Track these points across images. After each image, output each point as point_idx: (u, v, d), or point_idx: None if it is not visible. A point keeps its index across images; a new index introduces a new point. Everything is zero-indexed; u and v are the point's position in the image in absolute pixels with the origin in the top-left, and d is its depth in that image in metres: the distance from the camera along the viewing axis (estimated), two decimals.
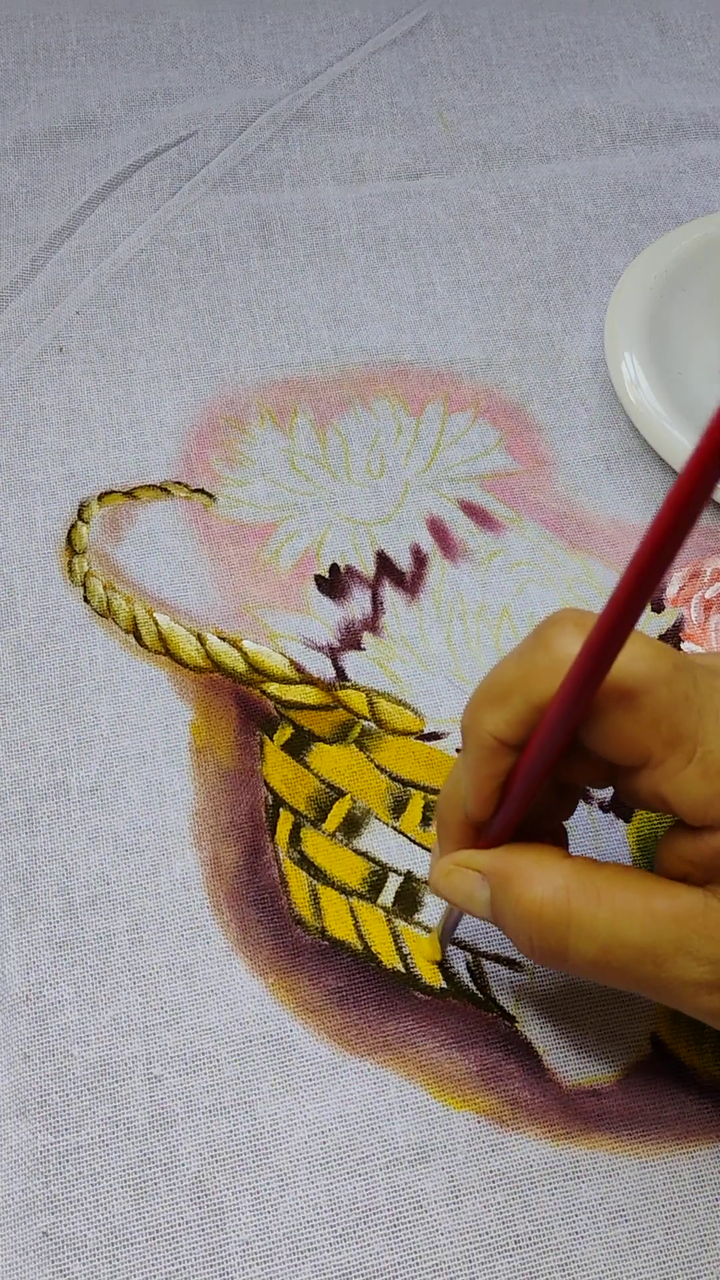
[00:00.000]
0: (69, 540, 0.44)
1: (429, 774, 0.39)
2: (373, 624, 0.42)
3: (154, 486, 0.46)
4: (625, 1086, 0.34)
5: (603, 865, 0.29)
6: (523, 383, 0.49)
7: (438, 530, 0.45)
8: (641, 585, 0.23)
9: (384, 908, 0.37)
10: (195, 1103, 0.34)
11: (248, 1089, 0.34)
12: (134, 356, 0.49)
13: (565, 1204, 0.32)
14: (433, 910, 0.37)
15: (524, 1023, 0.35)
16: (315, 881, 0.37)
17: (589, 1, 0.64)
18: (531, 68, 0.61)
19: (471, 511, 0.45)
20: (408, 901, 0.37)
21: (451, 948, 0.36)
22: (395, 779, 0.39)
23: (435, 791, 0.39)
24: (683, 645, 0.42)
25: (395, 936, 0.36)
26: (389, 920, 0.37)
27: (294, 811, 0.38)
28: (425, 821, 0.38)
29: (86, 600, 0.43)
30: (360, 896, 0.37)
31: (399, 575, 0.44)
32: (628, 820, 0.39)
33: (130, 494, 0.45)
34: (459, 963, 0.36)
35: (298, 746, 0.40)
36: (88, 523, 0.44)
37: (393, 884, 0.37)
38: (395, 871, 0.37)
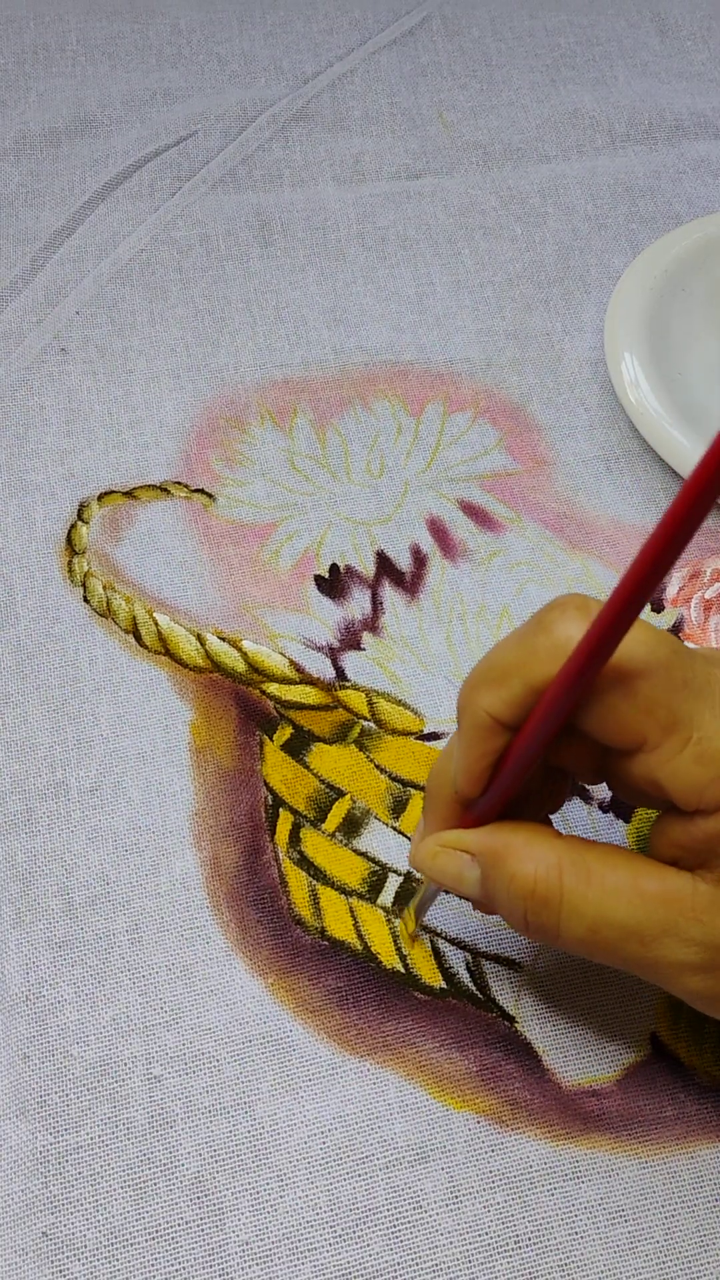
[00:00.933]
0: (69, 540, 0.44)
1: (429, 774, 0.39)
2: (372, 624, 0.42)
3: (154, 486, 0.46)
4: (625, 1086, 0.34)
5: (593, 845, 0.29)
6: (523, 383, 0.49)
7: (437, 530, 0.45)
8: (655, 568, 0.23)
9: (384, 908, 0.37)
10: (195, 1103, 0.34)
11: (247, 1089, 0.34)
12: (134, 356, 0.49)
13: (565, 1204, 0.32)
14: (432, 910, 0.37)
15: (523, 1023, 0.35)
16: (315, 881, 0.37)
17: (589, 1, 0.64)
18: (531, 68, 0.60)
19: (471, 511, 0.45)
20: (408, 902, 0.37)
21: (451, 948, 0.36)
22: (395, 779, 0.39)
23: None
24: None
25: (395, 937, 0.36)
26: (389, 920, 0.37)
27: (294, 811, 0.38)
28: None
29: (86, 600, 0.43)
30: (360, 897, 0.37)
31: (399, 575, 0.44)
32: (627, 820, 0.39)
33: (130, 494, 0.45)
34: (459, 963, 0.36)
35: (297, 746, 0.40)
36: (88, 523, 0.44)
37: (392, 884, 0.37)
38: (395, 872, 0.37)
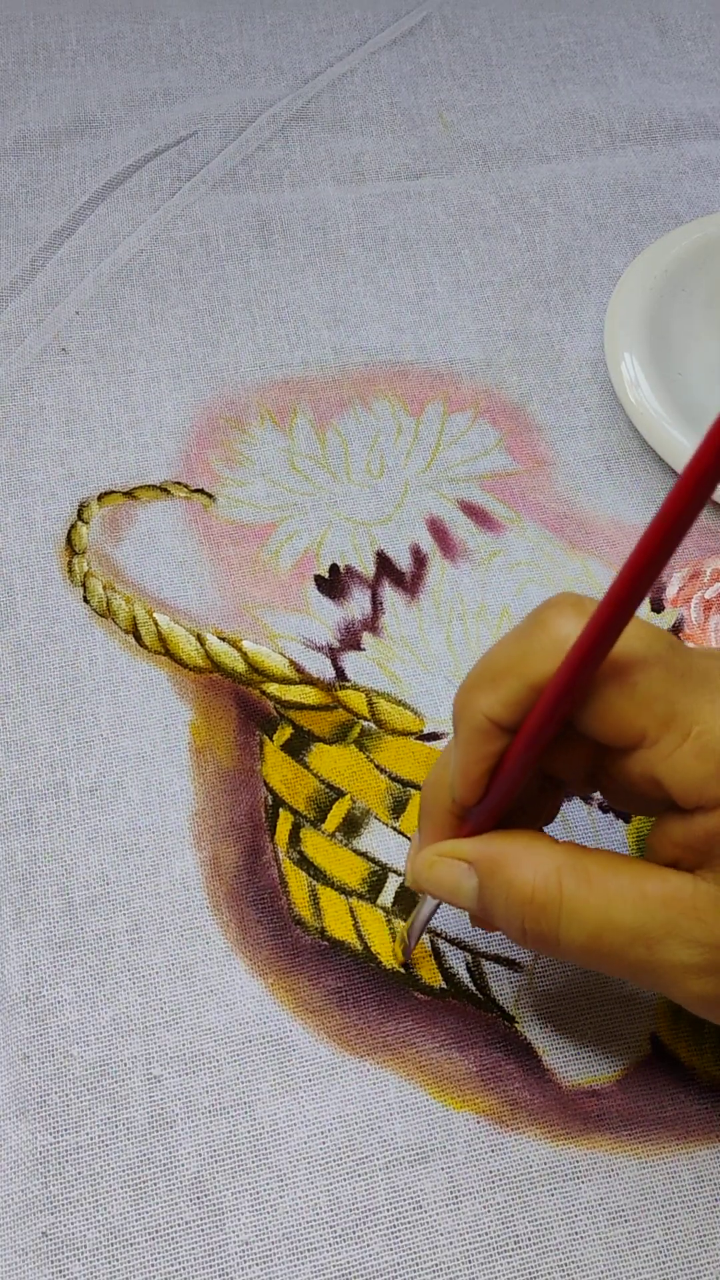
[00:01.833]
0: (69, 540, 0.44)
1: (424, 785, 0.39)
2: (372, 624, 0.42)
3: (154, 486, 0.46)
4: (625, 1086, 0.34)
5: (591, 850, 0.29)
6: (523, 383, 0.49)
7: (437, 530, 0.45)
8: (651, 563, 0.23)
9: (384, 908, 0.37)
10: (195, 1103, 0.34)
11: (247, 1089, 0.34)
12: (134, 356, 0.49)
13: (565, 1204, 0.32)
14: None
15: (523, 1023, 0.35)
16: (315, 882, 0.37)
17: (589, 1, 0.64)
18: (531, 68, 0.60)
19: (471, 512, 0.45)
20: (408, 902, 0.37)
21: (451, 947, 0.36)
22: (395, 779, 0.39)
23: None
24: None
25: (395, 936, 0.36)
26: (389, 920, 0.37)
27: (294, 812, 0.38)
28: None
29: (86, 600, 0.43)
30: (360, 897, 0.37)
31: (399, 575, 0.44)
32: (628, 821, 0.39)
33: (130, 494, 0.45)
34: (459, 963, 0.36)
35: (297, 747, 0.40)
36: (87, 523, 0.44)
37: (392, 884, 0.37)
38: (395, 872, 0.37)
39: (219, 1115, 0.34)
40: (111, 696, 0.41)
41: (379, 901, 0.37)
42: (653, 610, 0.43)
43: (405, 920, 0.36)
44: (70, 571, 0.43)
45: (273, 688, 0.41)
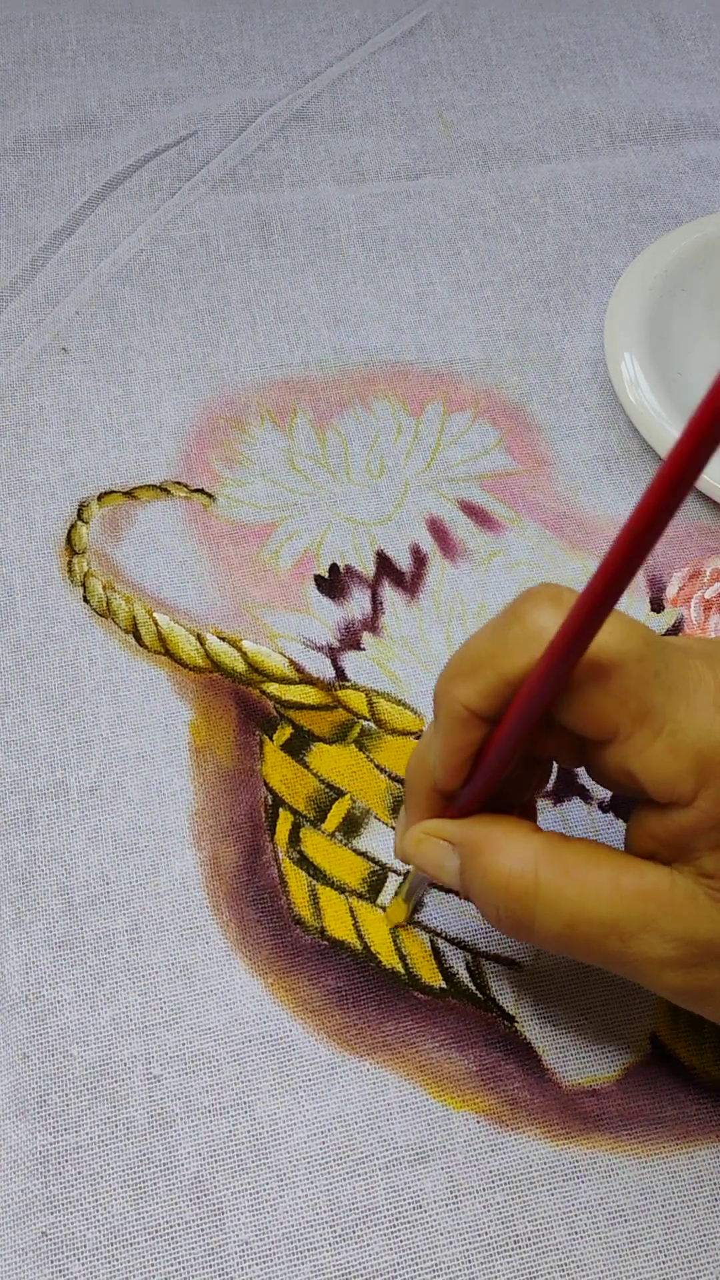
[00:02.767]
0: (69, 540, 0.44)
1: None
2: (372, 624, 0.42)
3: (154, 486, 0.46)
4: (625, 1086, 0.34)
5: (572, 840, 0.29)
6: (523, 383, 0.49)
7: (437, 530, 0.45)
8: (631, 556, 0.23)
9: (384, 908, 0.37)
10: (195, 1103, 0.34)
11: (247, 1089, 0.34)
12: (134, 356, 0.49)
13: (565, 1204, 0.32)
14: (433, 911, 0.37)
15: (523, 1023, 0.35)
16: (315, 881, 0.37)
17: (589, 1, 0.64)
18: (531, 68, 0.60)
19: (471, 511, 0.45)
20: (406, 897, 0.37)
21: (451, 947, 0.36)
22: (395, 779, 0.39)
23: None
24: None
25: (395, 936, 0.36)
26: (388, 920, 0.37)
27: (293, 811, 0.38)
28: None
29: (86, 600, 0.43)
30: (360, 896, 0.37)
31: (399, 575, 0.44)
32: (626, 820, 0.38)
33: (130, 494, 0.45)
34: (459, 963, 0.36)
35: (297, 746, 0.40)
36: (87, 523, 0.44)
37: (393, 884, 0.37)
38: (395, 872, 0.37)
39: (219, 1115, 0.34)
40: (111, 696, 0.41)
41: (379, 901, 0.37)
42: (652, 610, 0.43)
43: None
44: (70, 571, 0.43)
45: (273, 687, 0.41)
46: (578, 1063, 0.34)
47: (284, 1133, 0.33)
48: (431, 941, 0.36)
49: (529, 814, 0.33)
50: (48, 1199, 0.32)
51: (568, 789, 0.39)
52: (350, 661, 0.42)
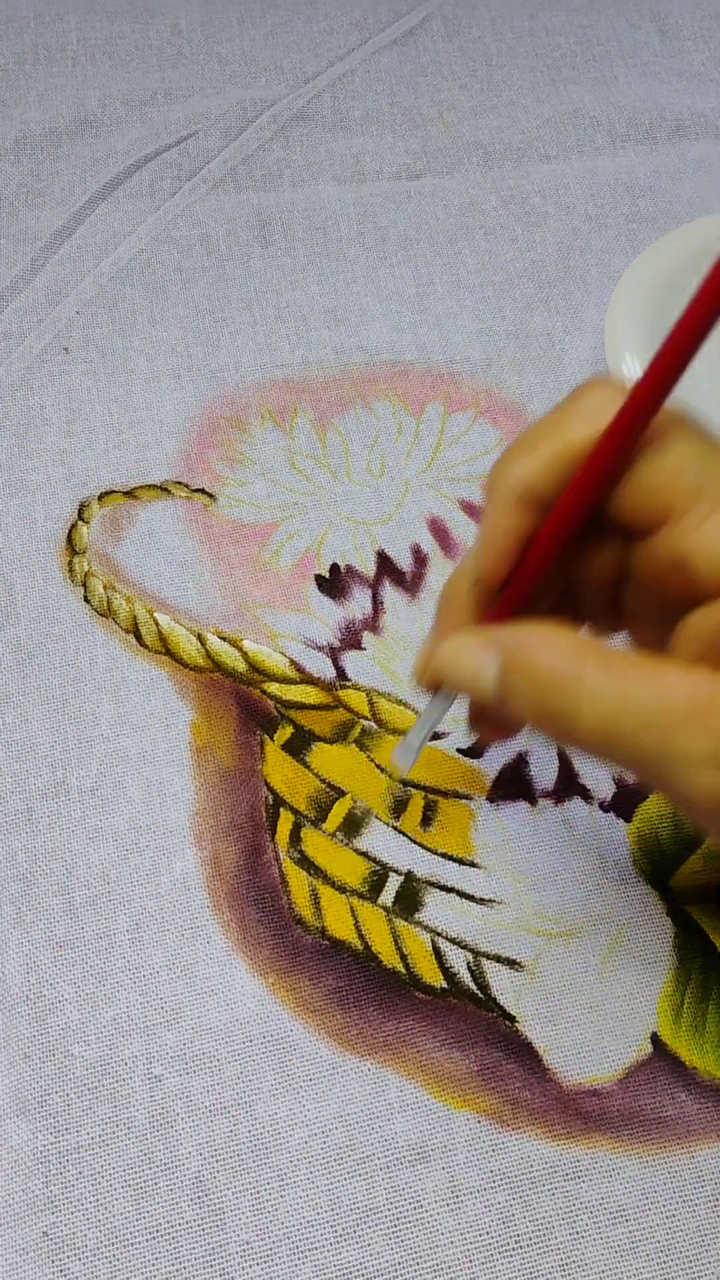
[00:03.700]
0: (69, 540, 0.44)
1: (429, 774, 0.39)
2: (373, 623, 0.42)
3: (154, 486, 0.46)
4: (625, 1086, 0.34)
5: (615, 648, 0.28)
6: (523, 383, 0.49)
7: (438, 530, 0.45)
8: (700, 325, 0.24)
9: (384, 908, 0.37)
10: (195, 1103, 0.34)
11: (248, 1089, 0.34)
12: (134, 356, 0.49)
13: (565, 1204, 0.32)
14: (432, 910, 0.37)
15: (524, 1023, 0.35)
16: (315, 881, 0.37)
17: (589, 1, 0.64)
18: (531, 68, 0.60)
19: (472, 511, 0.45)
20: (408, 901, 0.37)
21: (452, 947, 0.36)
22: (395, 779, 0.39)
23: (436, 791, 0.39)
24: None
25: (395, 936, 0.36)
26: (389, 920, 0.37)
27: (294, 811, 0.38)
28: (425, 821, 0.38)
29: (87, 600, 0.43)
30: (360, 896, 0.37)
31: (399, 575, 0.44)
32: (628, 820, 0.39)
33: (130, 494, 0.45)
34: (460, 963, 0.36)
35: (298, 746, 0.40)
36: (88, 523, 0.44)
37: (393, 884, 0.37)
38: (395, 871, 0.37)
39: (219, 1115, 0.34)
40: (112, 696, 0.41)
41: (379, 901, 0.37)
42: None
43: (406, 920, 0.36)
44: (71, 571, 0.43)
45: (273, 687, 0.41)
46: (579, 1063, 0.34)
47: (285, 1132, 0.33)
48: (432, 941, 0.36)
49: None
50: (48, 1199, 0.32)
51: (568, 789, 0.39)
52: (351, 661, 0.42)
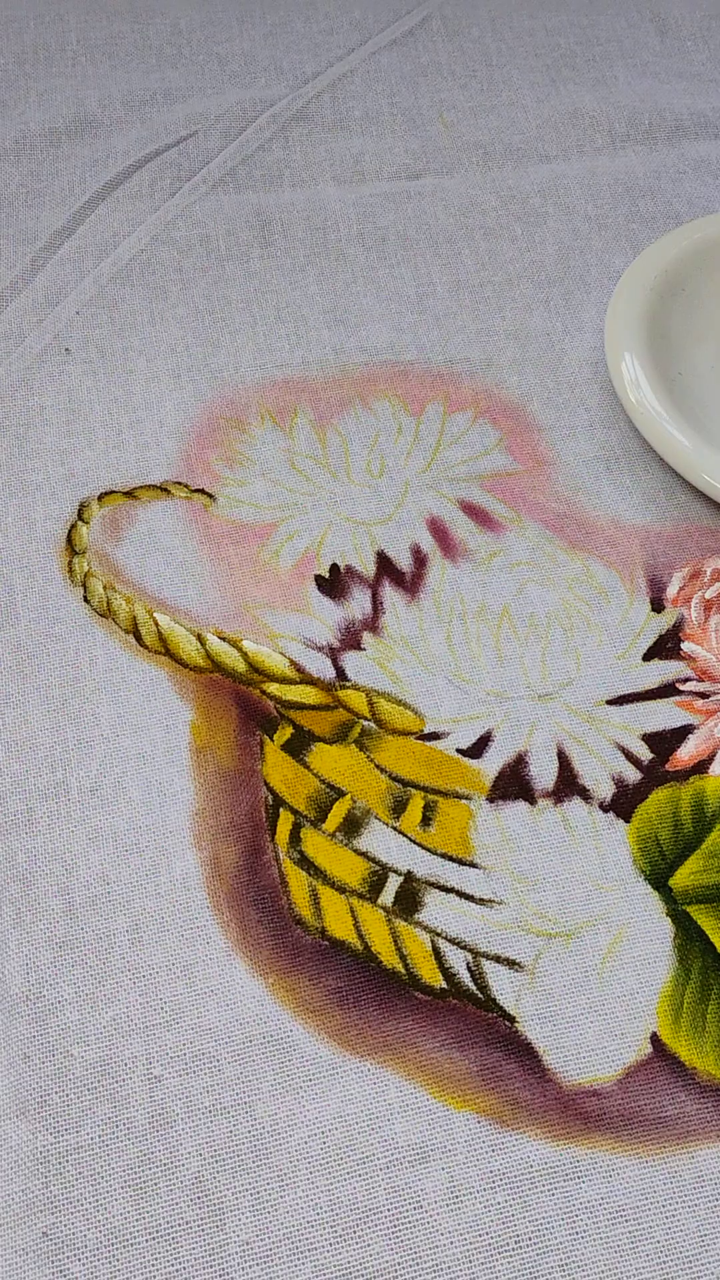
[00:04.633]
0: (69, 540, 0.44)
1: (429, 774, 0.39)
2: (373, 624, 0.42)
3: (154, 486, 0.46)
4: (625, 1086, 0.34)
5: None
6: (523, 383, 0.49)
7: (438, 530, 0.45)
8: None
9: (384, 908, 0.37)
10: (195, 1103, 0.34)
11: (248, 1089, 0.34)
12: (134, 356, 0.49)
13: (565, 1204, 0.32)
14: (432, 910, 0.37)
15: (524, 1023, 0.35)
16: (315, 881, 0.37)
17: (589, 1, 0.64)
18: (531, 68, 0.60)
19: (471, 511, 0.45)
20: (408, 901, 0.37)
21: (452, 947, 0.36)
22: (395, 779, 0.39)
23: (436, 791, 0.39)
24: (683, 646, 0.42)
25: (395, 936, 0.36)
26: (389, 920, 0.37)
27: (294, 811, 0.38)
28: (425, 821, 0.38)
29: (86, 600, 0.43)
30: (360, 896, 0.37)
31: (399, 575, 0.44)
32: (628, 820, 0.39)
33: (130, 494, 0.45)
34: (459, 963, 0.36)
35: (298, 746, 0.40)
36: (88, 523, 0.45)
37: (393, 884, 0.37)
38: (395, 871, 0.37)
39: (219, 1115, 0.34)
40: (112, 696, 0.41)
41: (379, 901, 0.37)
42: (652, 610, 0.43)
43: (406, 921, 0.36)
44: (70, 571, 0.43)
45: (273, 687, 0.41)
46: (578, 1063, 0.34)
47: (285, 1133, 0.33)
48: (432, 941, 0.36)
49: None
50: (48, 1199, 0.32)
51: (568, 789, 0.39)
52: (350, 661, 0.42)
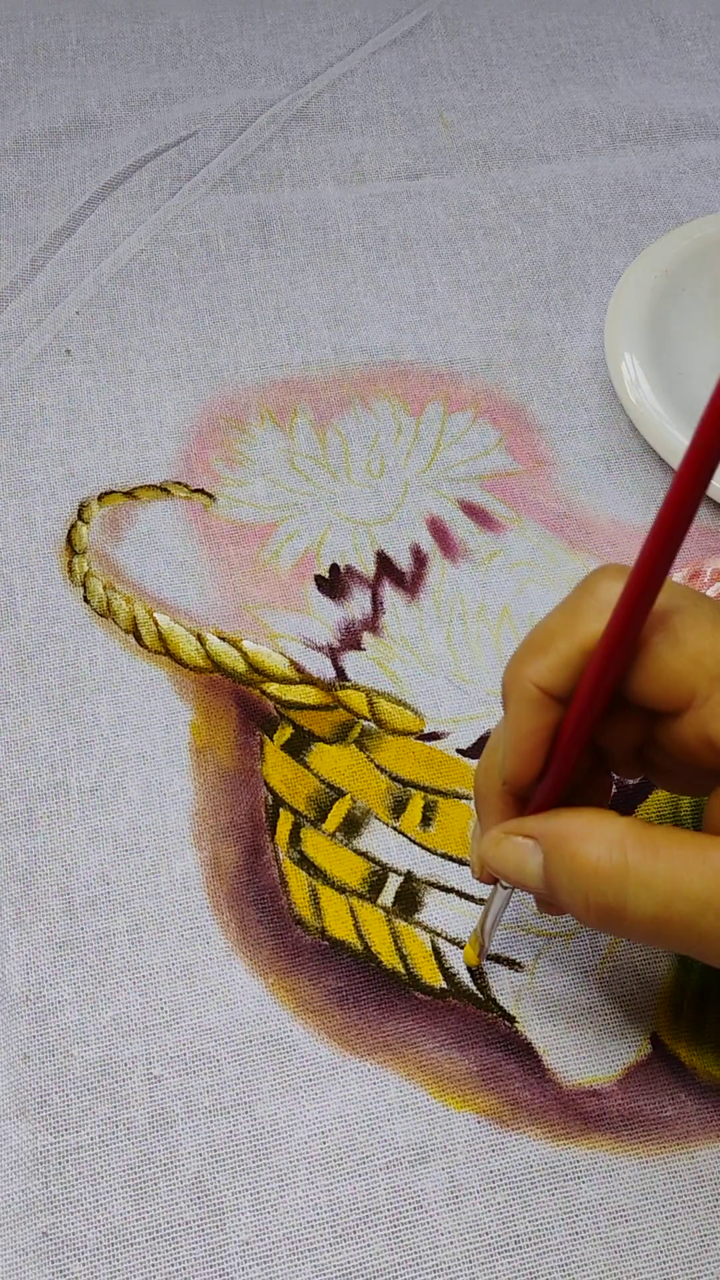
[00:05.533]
0: (69, 540, 0.44)
1: (429, 774, 0.39)
2: (373, 624, 0.42)
3: (154, 486, 0.46)
4: (625, 1086, 0.34)
5: (656, 825, 0.28)
6: (523, 383, 0.49)
7: (438, 530, 0.45)
8: (687, 503, 0.23)
9: (384, 908, 0.37)
10: (195, 1103, 0.34)
11: (248, 1089, 0.34)
12: (134, 356, 0.49)
13: (565, 1204, 0.32)
14: (432, 910, 0.37)
15: (524, 1023, 0.35)
16: (315, 881, 0.37)
17: (589, 1, 0.64)
18: (531, 68, 0.61)
19: (471, 511, 0.45)
20: (408, 901, 0.37)
21: (452, 947, 0.36)
22: (395, 779, 0.39)
23: (436, 791, 0.39)
24: None
25: (395, 936, 0.36)
26: (389, 920, 0.37)
27: (294, 811, 0.38)
28: (425, 821, 0.38)
29: (86, 600, 0.43)
30: (360, 896, 0.37)
31: (399, 575, 0.44)
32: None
33: (130, 494, 0.45)
34: (459, 963, 0.36)
35: (298, 746, 0.40)
36: (88, 523, 0.45)
37: (393, 884, 0.37)
38: (395, 871, 0.37)
39: (219, 1115, 0.34)
40: (112, 696, 0.41)
41: (379, 901, 0.37)
42: None
43: (405, 921, 0.36)
44: (70, 571, 0.43)
45: (273, 687, 0.41)
46: (578, 1063, 0.34)
47: (285, 1133, 0.33)
48: (432, 942, 0.36)
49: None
50: (48, 1199, 0.32)
51: None
52: (350, 661, 0.42)
